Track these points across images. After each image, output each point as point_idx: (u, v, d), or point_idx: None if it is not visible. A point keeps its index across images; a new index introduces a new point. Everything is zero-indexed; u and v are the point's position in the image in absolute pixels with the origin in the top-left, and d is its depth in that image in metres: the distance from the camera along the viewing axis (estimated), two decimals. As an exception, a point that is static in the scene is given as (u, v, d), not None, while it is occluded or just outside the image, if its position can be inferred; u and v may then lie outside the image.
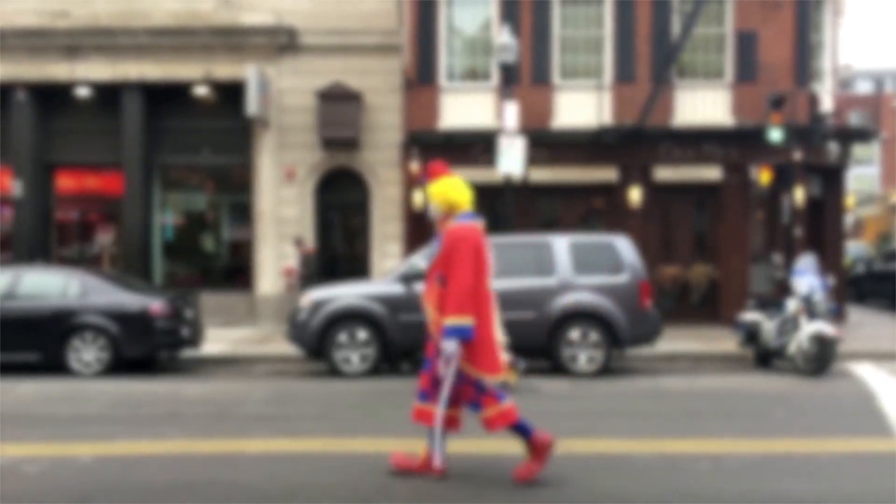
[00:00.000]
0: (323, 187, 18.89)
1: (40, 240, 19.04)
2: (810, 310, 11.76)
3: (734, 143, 18.07)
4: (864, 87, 57.13)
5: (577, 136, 18.13)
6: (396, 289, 12.07)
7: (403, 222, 18.42)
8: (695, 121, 18.13)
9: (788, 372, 11.86)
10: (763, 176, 17.62)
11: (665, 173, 18.36)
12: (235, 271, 19.51)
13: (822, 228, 19.47)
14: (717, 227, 18.60)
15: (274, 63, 18.54)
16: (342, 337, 11.98)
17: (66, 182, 19.70)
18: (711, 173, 18.29)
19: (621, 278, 12.21)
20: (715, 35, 18.45)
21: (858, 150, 26.42)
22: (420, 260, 12.50)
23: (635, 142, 17.97)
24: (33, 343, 12.48)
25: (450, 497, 5.62)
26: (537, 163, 17.56)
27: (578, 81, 18.48)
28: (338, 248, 19.37)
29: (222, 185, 19.80)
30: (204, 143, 19.23)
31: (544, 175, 18.10)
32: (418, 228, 18.03)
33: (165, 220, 19.65)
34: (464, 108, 18.45)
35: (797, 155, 17.57)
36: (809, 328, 11.55)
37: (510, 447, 7.04)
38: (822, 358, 11.45)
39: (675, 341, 14.53)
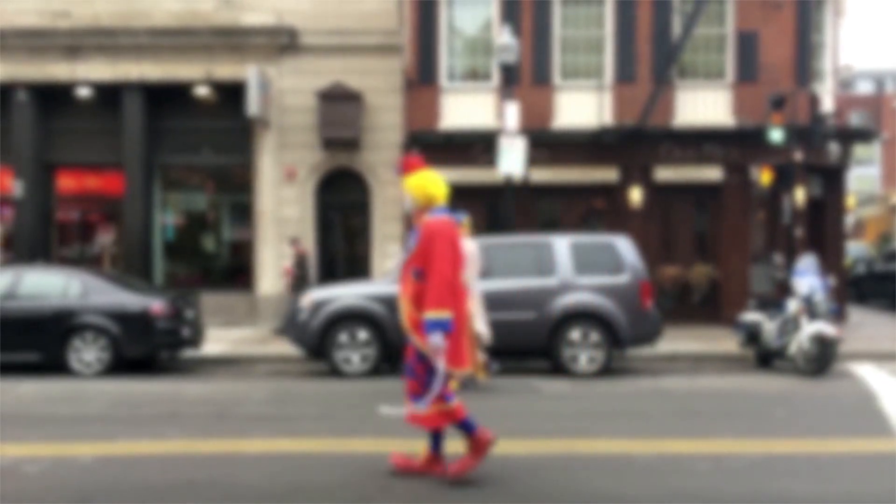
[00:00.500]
0: (323, 187, 18.89)
1: (41, 240, 19.05)
2: (811, 310, 11.75)
3: (735, 144, 18.07)
4: (864, 88, 57.12)
5: (578, 136, 18.13)
6: (397, 289, 12.04)
7: (404, 222, 18.41)
8: (695, 121, 18.13)
9: (789, 372, 11.85)
10: (764, 176, 17.63)
11: (666, 173, 18.35)
12: (236, 271, 19.51)
13: (822, 229, 19.46)
14: (717, 227, 18.59)
15: (274, 63, 18.55)
16: (343, 337, 11.98)
17: (66, 182, 19.71)
18: (712, 173, 18.29)
19: (622, 278, 12.21)
20: (716, 35, 18.45)
21: (859, 150, 26.40)
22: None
23: (636, 142, 17.97)
24: (34, 343, 12.48)
25: (450, 497, 5.62)
26: (538, 163, 17.56)
27: (579, 82, 18.48)
28: (338, 248, 19.37)
29: (223, 186, 19.80)
30: (204, 143, 19.24)
31: (545, 175, 18.11)
32: (419, 229, 18.01)
33: (166, 220, 19.65)
34: (464, 108, 18.45)
35: (798, 155, 17.58)
36: (810, 328, 11.54)
37: (512, 448, 7.04)
38: (822, 358, 11.45)
39: (676, 341, 14.53)
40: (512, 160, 15.09)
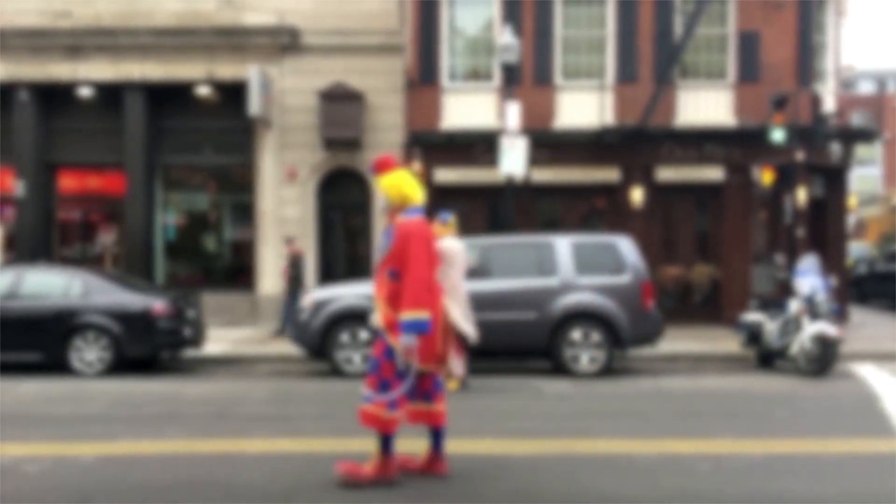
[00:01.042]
0: (324, 187, 18.89)
1: (42, 239, 19.06)
2: (812, 310, 11.74)
3: (736, 144, 18.06)
4: (866, 88, 57.06)
5: (579, 136, 18.12)
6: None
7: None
8: (697, 121, 18.12)
9: (790, 372, 11.85)
10: (765, 176, 17.61)
11: (667, 174, 18.34)
12: (237, 271, 19.52)
13: (824, 229, 19.45)
14: (719, 227, 18.58)
15: (276, 63, 18.55)
16: (344, 337, 11.98)
17: (68, 182, 19.72)
18: (713, 174, 18.27)
19: (623, 279, 12.20)
20: (717, 35, 18.43)
21: (861, 150, 26.34)
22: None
23: (637, 142, 17.96)
24: (35, 343, 12.49)
25: (450, 497, 5.61)
26: (539, 163, 17.55)
27: (580, 82, 18.47)
28: (339, 248, 19.38)
29: (224, 185, 19.81)
30: (206, 143, 19.25)
31: (546, 175, 18.10)
32: (420, 228, 18.01)
33: (167, 220, 19.66)
34: (466, 108, 18.45)
35: (799, 155, 17.57)
36: (811, 329, 11.53)
37: (513, 447, 7.04)
38: (824, 358, 11.44)
39: (677, 342, 14.52)
40: (513, 160, 15.09)
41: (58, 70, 18.60)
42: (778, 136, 16.39)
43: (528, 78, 18.15)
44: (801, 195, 18.05)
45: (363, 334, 11.91)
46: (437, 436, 6.02)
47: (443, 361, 6.00)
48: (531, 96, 17.82)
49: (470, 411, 8.84)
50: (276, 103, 18.51)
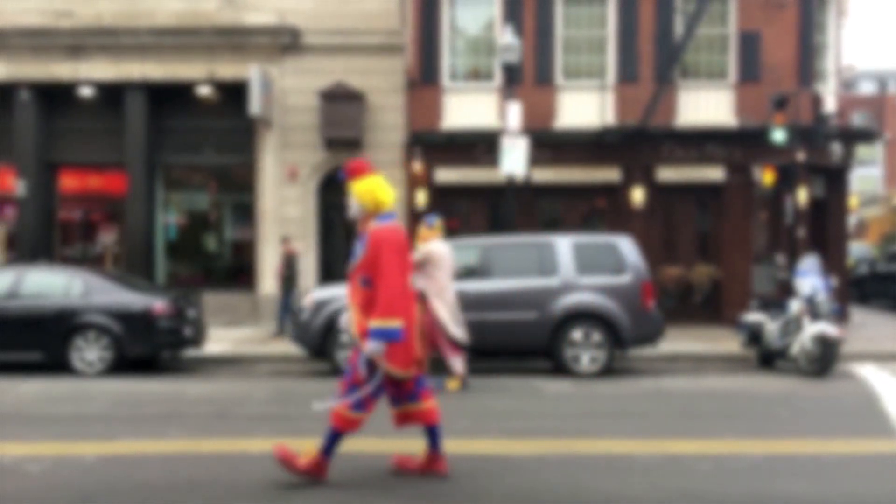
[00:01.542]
0: (325, 187, 18.89)
1: (43, 239, 19.07)
2: (813, 310, 11.74)
3: (737, 144, 18.06)
4: (867, 88, 57.02)
5: (580, 136, 18.12)
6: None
7: (406, 222, 18.40)
8: (698, 121, 18.12)
9: (791, 373, 11.84)
10: (766, 176, 17.62)
11: (668, 174, 18.34)
12: (238, 271, 19.53)
13: (825, 229, 19.45)
14: (719, 227, 18.58)
15: (277, 63, 18.56)
16: (344, 337, 11.96)
17: (69, 181, 19.73)
18: (714, 174, 18.27)
19: (624, 279, 12.20)
20: (718, 35, 18.44)
21: (862, 150, 26.35)
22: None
23: (638, 142, 17.97)
24: (36, 342, 12.49)
25: (451, 497, 5.62)
26: (540, 163, 17.56)
27: (581, 82, 18.48)
28: (340, 247, 19.36)
29: (225, 185, 19.82)
30: (207, 142, 19.25)
31: (547, 175, 18.10)
32: (421, 228, 18.02)
33: (168, 219, 19.67)
34: (467, 108, 18.45)
35: (800, 155, 17.57)
36: (812, 329, 11.53)
37: (514, 447, 7.04)
38: (824, 359, 11.43)
39: (678, 342, 14.52)
40: (514, 160, 15.09)
41: (59, 70, 18.61)
42: (779, 136, 16.39)
43: (529, 78, 18.15)
44: (802, 195, 18.05)
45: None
46: (432, 434, 6.00)
47: (422, 365, 5.98)
48: (532, 96, 17.82)
49: (470, 411, 8.85)
50: (277, 103, 18.52)
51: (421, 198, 18.30)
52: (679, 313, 17.44)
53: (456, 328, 10.38)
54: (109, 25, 18.45)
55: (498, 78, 18.24)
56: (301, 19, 18.56)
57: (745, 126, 17.93)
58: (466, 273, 12.39)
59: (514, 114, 15.26)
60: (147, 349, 12.75)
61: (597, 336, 11.94)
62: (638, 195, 18.17)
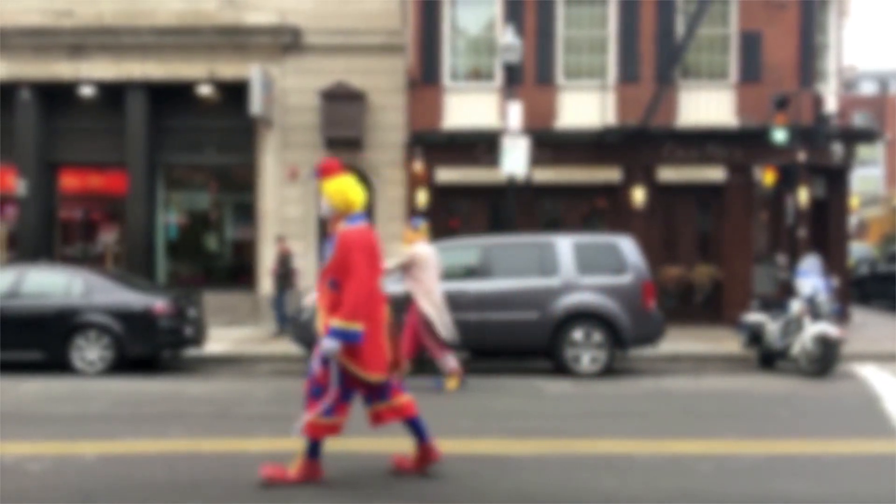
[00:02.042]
0: (326, 187, 18.86)
1: (44, 238, 19.07)
2: (814, 311, 11.74)
3: (738, 144, 18.05)
4: (868, 88, 56.99)
5: (581, 136, 18.12)
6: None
7: (407, 222, 18.41)
8: (699, 121, 18.11)
9: (792, 373, 11.84)
10: (767, 177, 17.61)
11: (669, 174, 18.34)
12: (238, 271, 19.53)
13: (825, 229, 19.44)
14: (720, 227, 18.57)
15: (278, 62, 18.56)
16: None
17: (69, 181, 19.73)
18: (715, 174, 18.27)
19: (624, 279, 12.20)
20: (719, 35, 18.43)
21: (862, 151, 26.35)
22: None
23: (639, 142, 17.96)
24: (37, 342, 12.50)
25: (451, 497, 5.62)
26: (541, 163, 17.56)
27: (582, 81, 18.47)
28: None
29: (226, 185, 19.82)
30: (207, 142, 19.25)
31: (547, 175, 18.10)
32: (421, 228, 18.02)
33: (169, 219, 19.67)
34: (467, 107, 18.45)
35: (801, 156, 17.56)
36: (813, 329, 11.53)
37: (514, 447, 7.04)
38: (825, 359, 11.43)
39: (679, 342, 14.52)
40: (515, 160, 15.09)
41: (60, 69, 18.61)
42: (779, 136, 16.38)
43: (530, 78, 18.15)
44: (803, 195, 18.04)
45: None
46: (416, 427, 5.96)
47: (395, 367, 5.95)
48: (533, 96, 17.82)
49: (470, 411, 8.85)
50: (278, 103, 18.52)
51: (421, 198, 18.30)
52: (679, 313, 17.44)
53: (443, 328, 10.47)
54: (110, 25, 18.46)
55: (499, 78, 18.23)
56: (302, 19, 18.56)
57: (745, 126, 17.92)
58: (467, 273, 12.41)
59: (515, 114, 15.26)
60: (148, 349, 12.76)
61: (597, 336, 11.94)
62: (639, 195, 18.17)
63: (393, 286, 10.93)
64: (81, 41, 18.50)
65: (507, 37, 15.49)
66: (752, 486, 5.86)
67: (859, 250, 29.35)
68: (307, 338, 12.22)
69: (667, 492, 5.74)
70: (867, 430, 7.84)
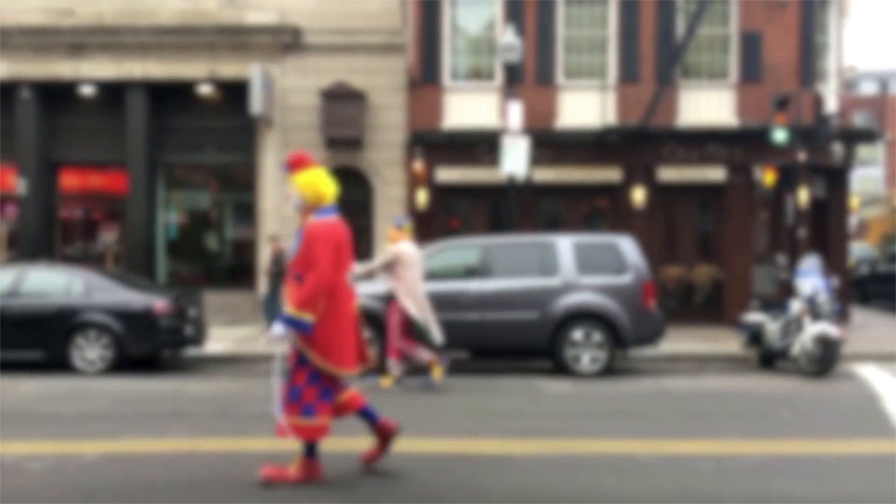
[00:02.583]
0: (326, 186, 18.85)
1: (44, 238, 19.07)
2: (814, 311, 11.74)
3: (738, 144, 18.05)
4: (868, 89, 57.00)
5: (581, 136, 18.11)
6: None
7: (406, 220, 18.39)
8: (699, 121, 18.11)
9: (792, 373, 11.84)
10: (767, 177, 17.61)
11: (669, 174, 18.34)
12: (239, 270, 19.52)
13: (826, 229, 19.44)
14: (720, 227, 18.57)
15: (278, 62, 18.56)
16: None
17: (70, 180, 19.72)
18: (715, 174, 18.27)
19: (625, 279, 12.20)
20: (719, 35, 18.43)
21: (863, 151, 26.36)
22: (423, 260, 12.50)
23: (639, 142, 17.96)
24: (37, 341, 12.50)
25: (451, 496, 5.62)
26: (541, 163, 17.56)
27: (582, 81, 18.47)
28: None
29: (226, 184, 19.82)
30: (208, 141, 19.25)
31: (548, 175, 18.10)
32: (423, 228, 18.04)
33: (169, 218, 19.67)
34: (467, 107, 18.45)
35: (801, 156, 17.56)
36: (813, 329, 11.52)
37: (514, 447, 7.04)
38: (825, 359, 11.43)
39: (679, 342, 14.52)
40: (515, 160, 15.09)
41: (60, 68, 18.61)
42: (780, 136, 16.38)
43: (530, 77, 18.15)
44: (803, 196, 18.04)
45: (364, 333, 11.89)
46: (367, 414, 5.97)
47: (362, 363, 5.96)
48: (533, 96, 17.82)
49: (470, 411, 8.85)
50: (278, 102, 18.52)
51: (422, 197, 18.30)
52: (680, 313, 17.44)
53: (429, 326, 10.56)
54: (111, 24, 18.45)
55: (499, 78, 18.23)
56: (302, 18, 18.56)
57: (746, 126, 17.92)
58: (467, 273, 12.42)
59: (515, 113, 15.26)
60: (148, 348, 12.76)
61: (597, 336, 11.94)
62: (639, 195, 18.17)
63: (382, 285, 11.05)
64: (82, 40, 18.49)
65: (508, 37, 15.49)
66: (753, 486, 5.86)
67: (859, 250, 29.34)
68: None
69: (667, 492, 5.74)
70: (867, 430, 7.84)
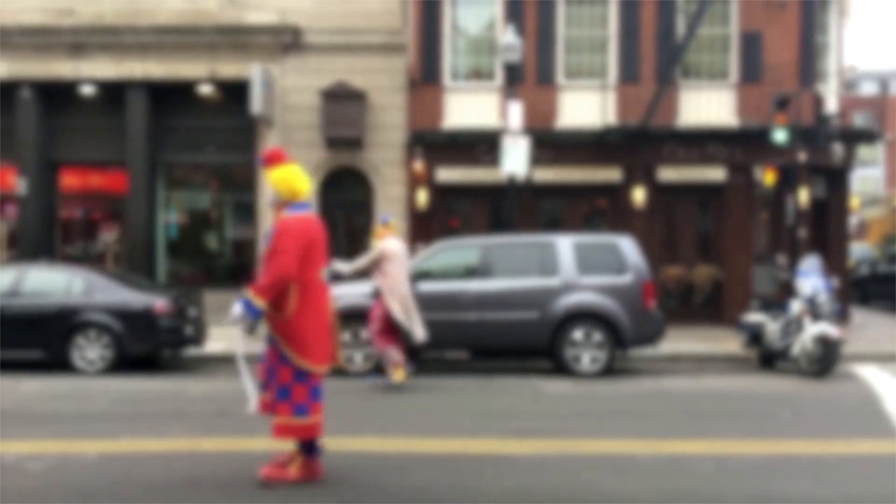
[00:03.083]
0: (327, 186, 18.88)
1: (44, 237, 19.07)
2: (814, 311, 11.74)
3: (738, 144, 18.05)
4: (868, 89, 57.00)
5: (582, 136, 18.11)
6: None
7: (407, 221, 18.42)
8: (699, 121, 18.10)
9: (792, 373, 11.84)
10: (767, 177, 17.61)
11: (669, 174, 18.34)
12: (239, 270, 19.50)
13: (826, 230, 19.44)
14: (721, 227, 18.57)
15: (278, 62, 18.55)
16: (345, 336, 11.96)
17: (70, 180, 19.72)
18: (716, 174, 18.26)
19: (625, 279, 12.20)
20: (720, 35, 18.43)
21: (863, 151, 26.34)
22: (424, 259, 12.51)
23: (639, 142, 17.96)
24: (37, 340, 12.49)
25: (451, 496, 5.62)
26: (541, 163, 17.56)
27: (583, 81, 18.47)
28: (341, 247, 19.37)
29: (226, 184, 19.82)
30: (208, 141, 19.24)
31: (548, 175, 18.09)
32: (423, 228, 18.05)
33: (169, 218, 19.67)
34: (468, 107, 18.45)
35: (802, 156, 17.55)
36: (813, 329, 11.53)
37: (514, 447, 7.04)
38: (825, 359, 11.43)
39: (679, 342, 14.52)
40: (515, 160, 15.09)
41: (60, 68, 18.60)
42: (780, 136, 16.38)
43: (531, 77, 18.14)
44: (803, 196, 18.04)
45: (364, 333, 11.91)
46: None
47: (332, 361, 5.99)
48: (533, 96, 17.82)
49: (470, 411, 8.85)
50: (279, 102, 18.52)
51: (422, 197, 18.30)
52: (680, 313, 17.44)
53: (411, 324, 10.57)
54: (111, 24, 18.45)
55: (499, 77, 18.23)
56: (302, 18, 18.56)
57: (746, 126, 17.92)
58: (467, 273, 12.42)
59: (516, 113, 15.26)
60: (148, 348, 12.76)
61: (598, 336, 11.94)
62: (639, 195, 18.17)
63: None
64: (82, 40, 18.49)
65: (508, 36, 15.49)
66: (753, 486, 5.86)
67: (859, 251, 29.34)
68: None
69: (667, 492, 5.75)
70: (867, 430, 7.84)
